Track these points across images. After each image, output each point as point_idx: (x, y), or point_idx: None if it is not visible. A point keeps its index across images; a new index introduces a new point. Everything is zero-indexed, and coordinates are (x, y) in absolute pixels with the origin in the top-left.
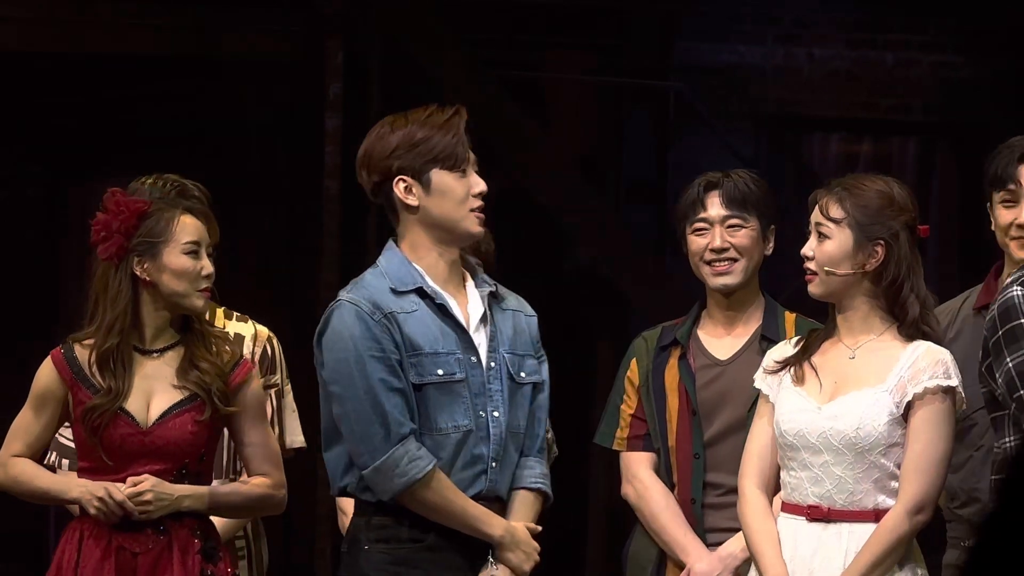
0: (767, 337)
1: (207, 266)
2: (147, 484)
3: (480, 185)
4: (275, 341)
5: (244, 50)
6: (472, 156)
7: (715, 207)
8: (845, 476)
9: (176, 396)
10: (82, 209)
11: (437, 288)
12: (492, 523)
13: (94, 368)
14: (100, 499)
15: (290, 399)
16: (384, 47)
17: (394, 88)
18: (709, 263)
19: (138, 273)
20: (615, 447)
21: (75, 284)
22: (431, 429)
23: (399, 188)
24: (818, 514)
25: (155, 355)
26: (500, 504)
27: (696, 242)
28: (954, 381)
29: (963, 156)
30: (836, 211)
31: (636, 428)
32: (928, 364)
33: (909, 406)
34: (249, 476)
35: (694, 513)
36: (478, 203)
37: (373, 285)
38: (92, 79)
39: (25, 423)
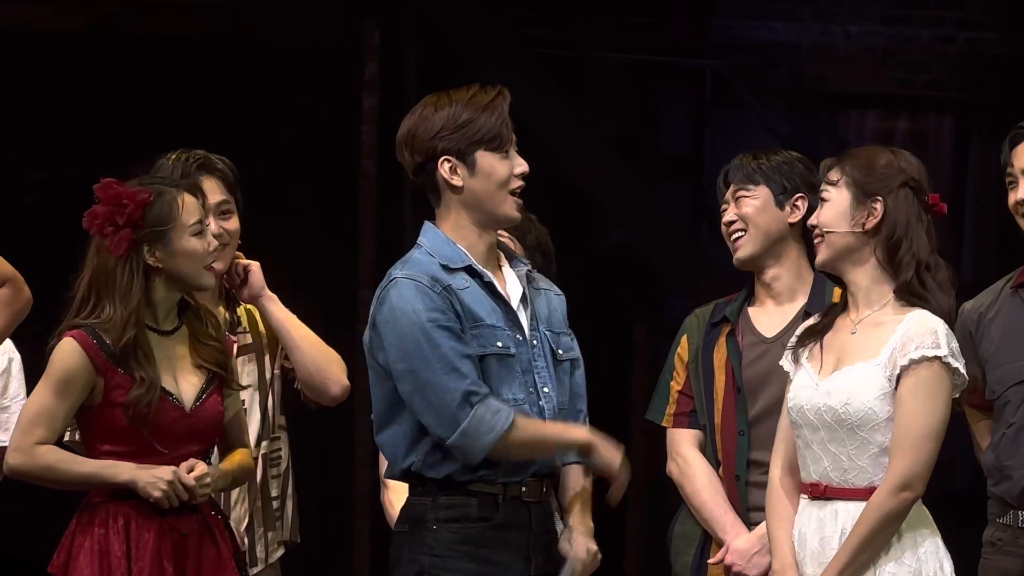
0: (811, 313)
1: (213, 241)
2: (203, 468)
3: (522, 165)
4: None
5: (281, 31)
6: (513, 137)
7: (728, 188)
8: (839, 453)
9: (202, 376)
10: None
11: (482, 268)
12: (574, 430)
13: (120, 358)
14: (169, 482)
15: None
16: (420, 27)
17: (430, 68)
18: (730, 238)
19: (151, 262)
20: (664, 423)
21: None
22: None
23: (444, 168)
24: (817, 492)
25: (168, 335)
26: (553, 479)
27: (721, 222)
28: (942, 350)
29: (999, 132)
30: (834, 174)
31: (682, 405)
32: (917, 333)
33: (899, 379)
34: (231, 448)
35: (738, 491)
36: (519, 184)
37: (425, 262)
38: (129, 61)
39: (49, 409)
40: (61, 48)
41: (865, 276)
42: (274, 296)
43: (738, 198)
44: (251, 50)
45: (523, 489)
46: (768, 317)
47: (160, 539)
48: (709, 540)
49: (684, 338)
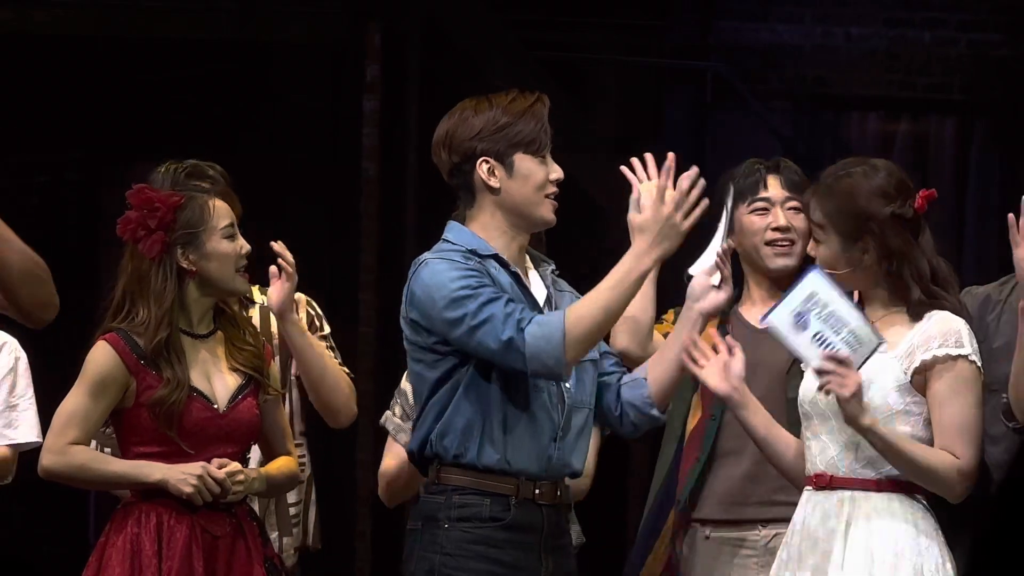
0: None
1: (244, 244)
2: (236, 466)
3: (558, 172)
4: (312, 302)
5: (282, 33)
6: (550, 143)
7: (776, 188)
8: (849, 442)
9: (237, 379)
10: (122, 193)
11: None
12: (628, 266)
13: (151, 359)
14: (199, 477)
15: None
16: (422, 28)
17: (432, 70)
18: (770, 243)
19: (184, 265)
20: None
21: (115, 268)
22: (520, 379)
23: (482, 169)
24: (822, 482)
25: (204, 339)
26: (562, 482)
27: (755, 222)
28: (966, 350)
29: (1001, 135)
30: (818, 216)
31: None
32: (941, 332)
33: (917, 372)
34: (275, 455)
35: (692, 471)
36: (554, 189)
37: (455, 248)
38: (130, 63)
39: (83, 410)
40: (63, 51)
41: (876, 292)
42: (294, 318)
43: (791, 208)
44: (253, 52)
45: (536, 491)
46: (759, 312)
47: (191, 539)
48: (652, 539)
49: (671, 311)
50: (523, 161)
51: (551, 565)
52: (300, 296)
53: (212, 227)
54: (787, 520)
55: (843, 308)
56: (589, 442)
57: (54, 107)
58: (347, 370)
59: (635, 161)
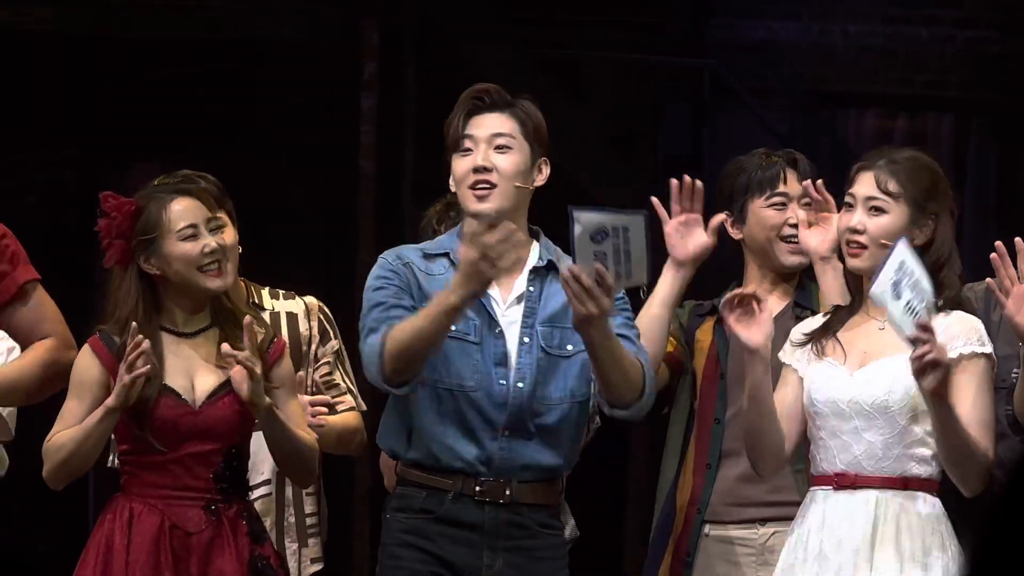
0: (800, 304)
1: (209, 243)
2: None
3: (472, 160)
4: (325, 308)
5: (279, 31)
6: (480, 135)
7: (794, 183)
8: (875, 441)
9: (220, 376)
10: (120, 193)
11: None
12: (445, 296)
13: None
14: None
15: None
16: (419, 26)
17: (429, 68)
18: (785, 239)
19: (147, 269)
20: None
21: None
22: (437, 379)
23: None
24: (845, 481)
25: (190, 337)
26: (505, 483)
27: (773, 216)
28: (988, 348)
29: (998, 131)
30: (894, 185)
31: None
32: (961, 331)
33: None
34: None
35: (707, 477)
36: (474, 178)
37: (410, 246)
38: (129, 62)
39: (68, 410)
40: (60, 49)
41: None
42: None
43: (804, 203)
44: (250, 50)
45: (477, 488)
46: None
47: (159, 533)
48: (664, 541)
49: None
50: (453, 161)
51: (500, 564)
52: (313, 302)
53: (168, 231)
54: (785, 519)
55: (924, 277)
56: (570, 436)
57: (52, 106)
58: (358, 400)
59: (674, 184)
